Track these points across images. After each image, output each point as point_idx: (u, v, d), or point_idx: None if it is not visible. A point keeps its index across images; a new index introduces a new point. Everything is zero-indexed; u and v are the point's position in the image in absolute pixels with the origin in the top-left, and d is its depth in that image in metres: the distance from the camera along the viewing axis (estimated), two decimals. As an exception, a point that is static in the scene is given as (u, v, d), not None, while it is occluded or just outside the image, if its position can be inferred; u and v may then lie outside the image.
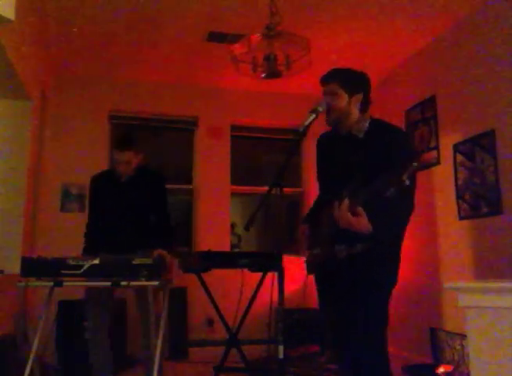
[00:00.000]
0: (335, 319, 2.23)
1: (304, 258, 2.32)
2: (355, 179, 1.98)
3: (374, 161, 2.02)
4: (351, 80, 2.16)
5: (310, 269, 2.30)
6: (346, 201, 1.91)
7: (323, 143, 2.37)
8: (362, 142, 2.13)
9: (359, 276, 2.04)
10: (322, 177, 2.38)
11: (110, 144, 5.08)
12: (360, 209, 1.89)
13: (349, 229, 1.93)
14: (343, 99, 2.13)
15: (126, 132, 4.82)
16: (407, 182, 1.75)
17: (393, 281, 2.09)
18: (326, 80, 2.20)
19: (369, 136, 2.13)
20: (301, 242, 2.28)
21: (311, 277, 2.33)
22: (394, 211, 1.95)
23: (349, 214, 1.90)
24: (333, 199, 2.04)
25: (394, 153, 2.00)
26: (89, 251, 2.93)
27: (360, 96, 2.15)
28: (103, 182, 3.12)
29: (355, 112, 2.16)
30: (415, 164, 1.77)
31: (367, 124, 2.16)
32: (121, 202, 3.02)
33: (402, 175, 1.75)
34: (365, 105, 2.18)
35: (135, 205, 3.01)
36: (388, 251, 2.07)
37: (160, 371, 2.63)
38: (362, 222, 1.90)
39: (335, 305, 2.20)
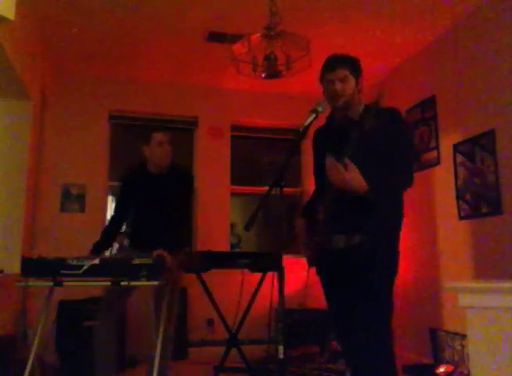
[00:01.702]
0: (339, 311, 2.23)
1: (303, 252, 2.31)
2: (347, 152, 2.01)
3: (370, 139, 2.02)
4: (355, 63, 2.21)
5: (311, 262, 2.30)
6: (335, 162, 1.93)
7: (319, 137, 2.37)
8: (357, 122, 2.13)
9: (361, 267, 2.04)
10: (318, 171, 2.39)
11: (110, 144, 5.09)
12: (348, 161, 1.90)
13: (344, 187, 1.94)
14: (352, 83, 2.17)
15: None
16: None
17: (394, 270, 2.10)
18: (335, 65, 2.18)
19: (364, 117, 2.12)
20: (299, 236, 2.28)
21: (312, 277, 2.33)
22: (391, 171, 1.97)
23: (341, 166, 1.90)
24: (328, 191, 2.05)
25: (391, 135, 2.06)
26: (99, 245, 2.95)
27: (360, 80, 2.21)
28: (137, 178, 3.14)
29: (358, 96, 2.22)
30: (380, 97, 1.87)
31: (362, 108, 2.20)
32: (151, 197, 3.03)
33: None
34: (360, 89, 2.25)
35: (164, 201, 3.01)
36: (387, 241, 2.08)
37: (165, 371, 2.63)
38: (355, 176, 1.91)
39: (338, 296, 2.21)
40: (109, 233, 3.10)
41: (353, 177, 1.91)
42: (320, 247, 2.19)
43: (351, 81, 2.16)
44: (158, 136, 3.05)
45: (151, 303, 2.94)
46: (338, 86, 2.15)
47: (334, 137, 2.21)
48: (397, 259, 2.11)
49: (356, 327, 2.05)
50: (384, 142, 2.04)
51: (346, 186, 1.93)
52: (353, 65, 2.19)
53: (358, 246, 2.04)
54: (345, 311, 2.14)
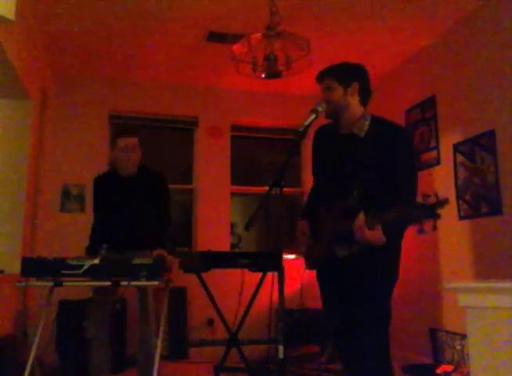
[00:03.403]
0: (338, 317, 2.23)
1: (302, 254, 2.31)
2: (357, 185, 2.00)
3: (374, 161, 2.03)
4: (342, 71, 2.19)
5: (309, 264, 2.30)
6: (362, 216, 1.91)
7: (321, 137, 2.36)
8: (362, 141, 2.13)
9: (361, 274, 2.05)
10: (317, 171, 2.39)
11: (110, 144, 5.08)
12: (377, 225, 1.90)
13: (365, 243, 1.95)
14: (338, 91, 2.15)
15: (124, 123, 4.93)
16: (439, 216, 1.80)
17: (394, 277, 2.10)
18: (319, 78, 2.23)
19: (370, 135, 2.12)
20: (300, 239, 2.28)
21: (311, 278, 2.33)
22: (405, 219, 1.97)
23: (367, 230, 1.90)
24: (331, 197, 2.05)
25: (396, 155, 2.03)
26: (91, 250, 2.93)
27: (356, 86, 2.16)
28: (107, 182, 3.11)
29: (355, 103, 2.17)
30: (447, 199, 1.85)
31: (368, 123, 2.15)
32: (125, 200, 3.01)
33: (436, 210, 1.80)
34: (364, 96, 2.19)
35: (138, 203, 3.00)
36: (389, 247, 2.08)
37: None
38: (378, 236, 1.91)
39: (338, 302, 2.20)
40: (97, 240, 3.02)
41: (374, 236, 1.92)
42: (321, 257, 2.19)
43: (337, 89, 2.15)
44: (122, 142, 2.99)
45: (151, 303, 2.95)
46: (323, 96, 2.19)
47: (339, 148, 2.21)
48: (398, 267, 2.11)
49: (358, 331, 2.04)
50: (390, 161, 2.04)
51: (367, 243, 1.95)
52: (340, 73, 2.17)
53: (360, 253, 2.04)
54: (345, 317, 2.14)
